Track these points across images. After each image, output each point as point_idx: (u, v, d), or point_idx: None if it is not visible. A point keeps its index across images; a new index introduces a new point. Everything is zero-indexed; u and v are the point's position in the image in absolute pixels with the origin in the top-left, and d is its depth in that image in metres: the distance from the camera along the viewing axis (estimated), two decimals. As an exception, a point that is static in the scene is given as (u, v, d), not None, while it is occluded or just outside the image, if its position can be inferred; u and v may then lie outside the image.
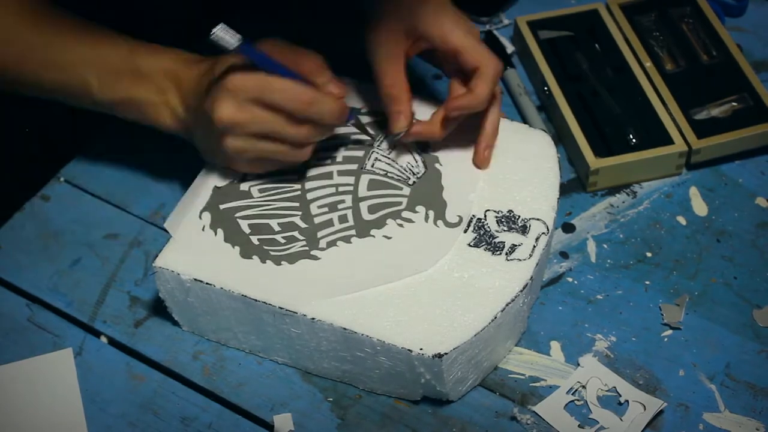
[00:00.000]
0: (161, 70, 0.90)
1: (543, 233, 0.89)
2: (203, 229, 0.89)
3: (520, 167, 0.94)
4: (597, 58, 1.09)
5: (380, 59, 0.92)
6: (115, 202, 1.00)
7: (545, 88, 1.07)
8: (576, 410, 0.88)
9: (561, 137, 1.06)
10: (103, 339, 0.93)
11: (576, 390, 0.89)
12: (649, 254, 0.98)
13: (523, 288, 0.86)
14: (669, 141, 1.02)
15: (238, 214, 0.90)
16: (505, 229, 0.90)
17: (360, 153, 0.94)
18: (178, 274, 0.86)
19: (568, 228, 1.00)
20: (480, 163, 0.93)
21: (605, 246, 0.98)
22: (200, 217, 0.90)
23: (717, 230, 0.99)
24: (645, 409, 0.87)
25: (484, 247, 0.89)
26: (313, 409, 0.88)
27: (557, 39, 1.11)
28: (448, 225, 0.90)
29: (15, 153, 1.09)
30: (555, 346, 0.92)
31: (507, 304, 0.85)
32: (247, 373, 0.90)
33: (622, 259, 0.97)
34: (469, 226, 0.90)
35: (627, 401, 0.88)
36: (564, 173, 1.03)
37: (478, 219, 0.90)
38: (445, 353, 0.82)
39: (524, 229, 0.90)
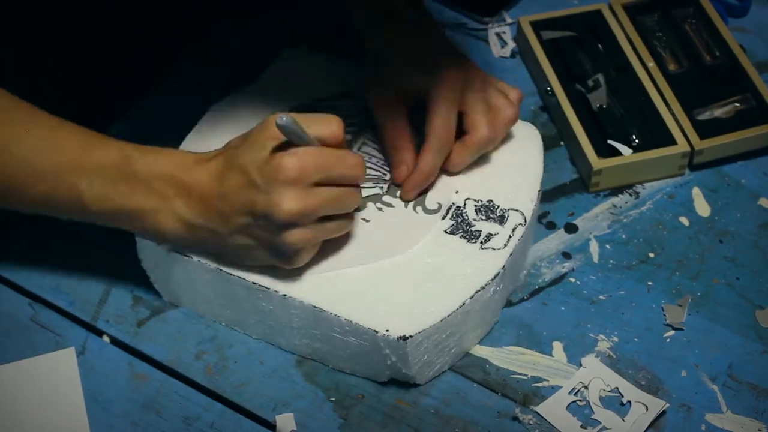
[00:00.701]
0: (160, 176, 0.82)
1: (520, 224, 0.90)
2: None
3: (504, 158, 0.95)
4: (600, 58, 1.09)
5: (383, 118, 0.93)
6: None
7: (548, 89, 1.07)
8: (578, 411, 0.88)
9: (563, 137, 1.06)
10: (106, 338, 0.93)
11: (578, 390, 0.89)
12: (651, 255, 0.98)
13: (495, 277, 0.87)
14: (672, 141, 1.02)
15: None
16: (483, 218, 0.91)
17: (348, 136, 0.95)
18: (158, 244, 0.88)
19: (570, 228, 1.00)
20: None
21: (608, 246, 0.98)
22: None
23: (720, 231, 0.99)
24: (647, 409, 0.87)
25: (460, 234, 0.90)
26: (315, 409, 0.88)
27: (560, 39, 1.11)
28: (427, 211, 0.91)
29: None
30: (557, 346, 0.92)
31: (476, 292, 0.86)
32: (250, 372, 0.90)
33: (624, 259, 0.97)
34: (447, 213, 0.91)
35: (629, 402, 0.88)
36: (566, 173, 1.04)
37: (457, 207, 0.92)
38: (410, 336, 0.83)
39: (502, 219, 0.91)
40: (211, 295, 0.90)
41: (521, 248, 0.91)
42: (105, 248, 0.97)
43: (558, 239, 0.99)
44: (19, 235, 0.98)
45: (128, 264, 0.96)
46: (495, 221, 0.91)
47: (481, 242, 0.89)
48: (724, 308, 0.94)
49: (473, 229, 0.90)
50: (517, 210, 0.91)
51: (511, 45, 1.14)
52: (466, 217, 0.91)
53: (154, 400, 0.89)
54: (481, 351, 0.91)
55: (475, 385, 0.89)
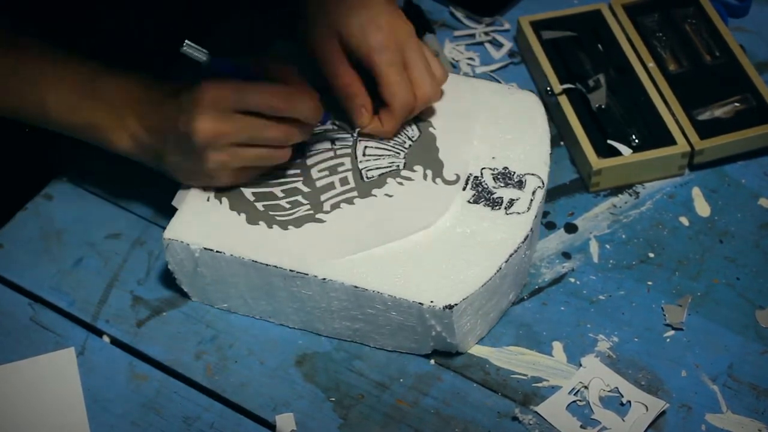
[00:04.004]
0: (119, 95, 0.90)
1: (539, 187, 0.93)
2: (208, 200, 0.92)
3: (511, 126, 0.97)
4: (600, 58, 1.09)
5: (326, 61, 0.94)
6: (118, 201, 1.01)
7: (548, 89, 1.07)
8: (578, 411, 0.88)
9: (564, 137, 1.06)
10: (106, 338, 0.93)
11: (578, 390, 0.89)
12: (651, 255, 0.98)
13: (525, 239, 0.89)
14: (672, 141, 1.02)
15: None
16: (502, 185, 0.93)
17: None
18: (188, 244, 0.89)
19: (570, 228, 1.00)
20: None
21: (608, 246, 0.98)
22: (204, 188, 0.92)
23: (720, 231, 0.99)
24: (647, 409, 0.87)
25: (483, 203, 0.92)
26: (315, 409, 0.88)
27: (560, 39, 1.11)
28: (447, 182, 0.93)
29: (17, 151, 1.09)
30: (557, 346, 0.92)
31: (510, 255, 0.88)
32: (250, 372, 0.90)
33: (624, 259, 0.97)
34: (467, 183, 0.93)
35: (629, 402, 0.88)
36: (567, 173, 1.04)
37: (475, 177, 0.94)
38: (455, 304, 0.85)
39: (520, 184, 0.93)
40: (244, 289, 0.91)
41: (541, 210, 0.93)
42: (104, 248, 0.97)
43: (558, 239, 0.99)
44: (19, 235, 0.98)
45: (128, 264, 0.96)
46: (514, 187, 0.93)
47: (505, 208, 0.91)
48: (724, 308, 0.94)
49: (495, 196, 0.92)
50: (533, 174, 0.93)
51: (507, 46, 1.14)
52: (485, 186, 0.93)
53: (154, 400, 0.89)
54: (481, 351, 0.91)
55: (475, 385, 0.90)
